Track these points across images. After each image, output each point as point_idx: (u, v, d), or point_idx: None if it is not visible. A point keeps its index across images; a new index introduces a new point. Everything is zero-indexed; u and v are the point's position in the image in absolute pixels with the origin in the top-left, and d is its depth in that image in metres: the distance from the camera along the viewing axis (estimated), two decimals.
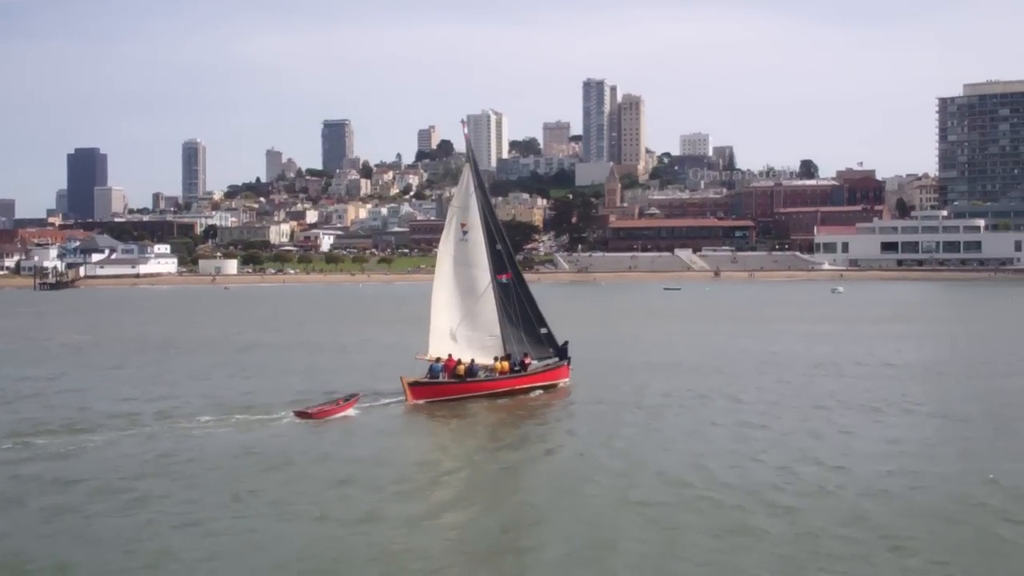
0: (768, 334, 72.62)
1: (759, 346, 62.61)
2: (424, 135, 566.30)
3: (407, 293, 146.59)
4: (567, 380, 42.37)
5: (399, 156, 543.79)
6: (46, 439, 31.77)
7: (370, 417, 35.50)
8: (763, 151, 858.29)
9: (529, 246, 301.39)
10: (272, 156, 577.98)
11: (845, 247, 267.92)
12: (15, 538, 21.55)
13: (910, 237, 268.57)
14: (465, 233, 40.75)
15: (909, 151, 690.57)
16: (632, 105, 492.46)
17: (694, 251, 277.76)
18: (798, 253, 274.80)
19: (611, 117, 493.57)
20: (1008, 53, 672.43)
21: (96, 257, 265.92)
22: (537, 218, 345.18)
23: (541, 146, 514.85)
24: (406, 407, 36.82)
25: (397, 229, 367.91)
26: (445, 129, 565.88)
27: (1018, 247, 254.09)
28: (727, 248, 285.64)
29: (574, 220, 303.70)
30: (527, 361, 41.02)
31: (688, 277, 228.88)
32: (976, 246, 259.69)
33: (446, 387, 38.44)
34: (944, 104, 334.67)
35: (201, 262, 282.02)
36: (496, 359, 40.38)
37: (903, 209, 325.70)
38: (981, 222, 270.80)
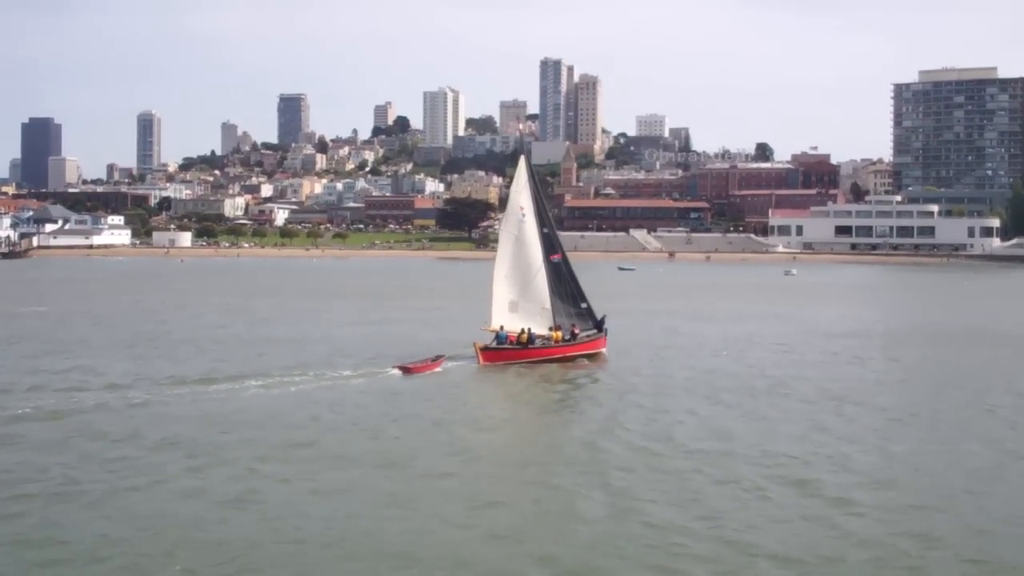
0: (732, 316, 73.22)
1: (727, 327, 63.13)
2: (381, 111, 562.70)
3: (374, 267, 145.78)
4: (605, 350, 47.58)
5: (355, 131, 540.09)
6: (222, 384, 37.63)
7: (454, 374, 41.24)
8: (719, 133, 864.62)
9: (485, 223, 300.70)
10: (227, 129, 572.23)
11: (799, 230, 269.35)
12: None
13: (864, 221, 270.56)
14: (524, 216, 45.79)
15: (864, 136, 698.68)
16: (589, 85, 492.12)
17: (649, 232, 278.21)
18: (752, 235, 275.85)
19: (568, 97, 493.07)
20: (963, 40, 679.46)
21: (49, 227, 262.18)
22: (493, 196, 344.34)
23: (498, 124, 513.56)
24: (479, 367, 42.48)
25: (352, 204, 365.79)
26: (402, 105, 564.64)
27: (971, 233, 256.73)
28: (682, 229, 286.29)
29: None
30: (576, 331, 46.47)
31: (643, 257, 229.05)
32: (930, 231, 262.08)
33: (511, 352, 44.11)
34: (899, 90, 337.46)
35: (155, 234, 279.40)
36: (550, 329, 45.57)
37: (857, 193, 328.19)
38: (935, 208, 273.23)
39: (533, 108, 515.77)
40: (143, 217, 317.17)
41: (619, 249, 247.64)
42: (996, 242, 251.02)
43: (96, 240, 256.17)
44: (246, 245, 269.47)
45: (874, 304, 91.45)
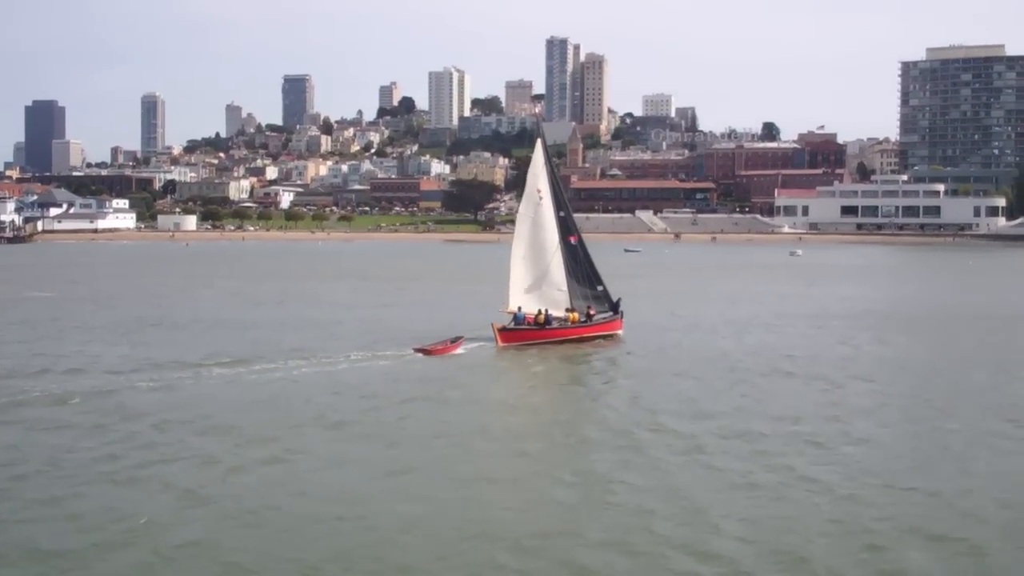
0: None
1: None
2: (386, 92, 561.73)
3: (380, 250, 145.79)
4: (621, 331, 48.03)
5: (360, 113, 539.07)
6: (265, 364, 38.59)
7: (474, 356, 41.79)
8: (725, 113, 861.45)
9: (491, 205, 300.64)
10: (232, 111, 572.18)
11: (805, 210, 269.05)
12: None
13: (870, 201, 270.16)
14: (541, 199, 46.55)
15: (870, 115, 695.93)
16: (595, 64, 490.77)
17: (655, 212, 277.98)
18: (758, 216, 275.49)
19: (574, 76, 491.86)
20: (970, 18, 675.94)
21: (54, 211, 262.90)
22: (499, 177, 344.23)
23: (503, 105, 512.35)
24: (497, 349, 42.86)
25: (358, 187, 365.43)
26: (407, 86, 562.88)
27: (977, 212, 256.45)
28: (688, 210, 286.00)
29: None
30: (592, 313, 47.07)
31: (649, 239, 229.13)
32: (935, 211, 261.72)
33: (528, 333, 44.70)
34: (906, 68, 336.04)
35: (160, 218, 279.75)
36: (567, 310, 46.13)
37: (863, 173, 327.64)
38: (941, 187, 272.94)
39: (539, 88, 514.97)
40: (148, 201, 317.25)
41: (625, 231, 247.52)
42: (1002, 221, 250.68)
43: (101, 224, 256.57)
44: (251, 228, 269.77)
45: (880, 285, 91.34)
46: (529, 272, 46.47)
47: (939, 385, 36.48)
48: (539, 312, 45.34)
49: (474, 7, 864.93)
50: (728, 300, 71.30)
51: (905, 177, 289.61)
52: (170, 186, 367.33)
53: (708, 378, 37.14)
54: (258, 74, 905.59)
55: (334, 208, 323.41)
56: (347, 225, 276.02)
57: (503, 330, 44.00)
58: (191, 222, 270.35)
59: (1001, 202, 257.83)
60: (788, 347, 45.84)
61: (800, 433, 27.72)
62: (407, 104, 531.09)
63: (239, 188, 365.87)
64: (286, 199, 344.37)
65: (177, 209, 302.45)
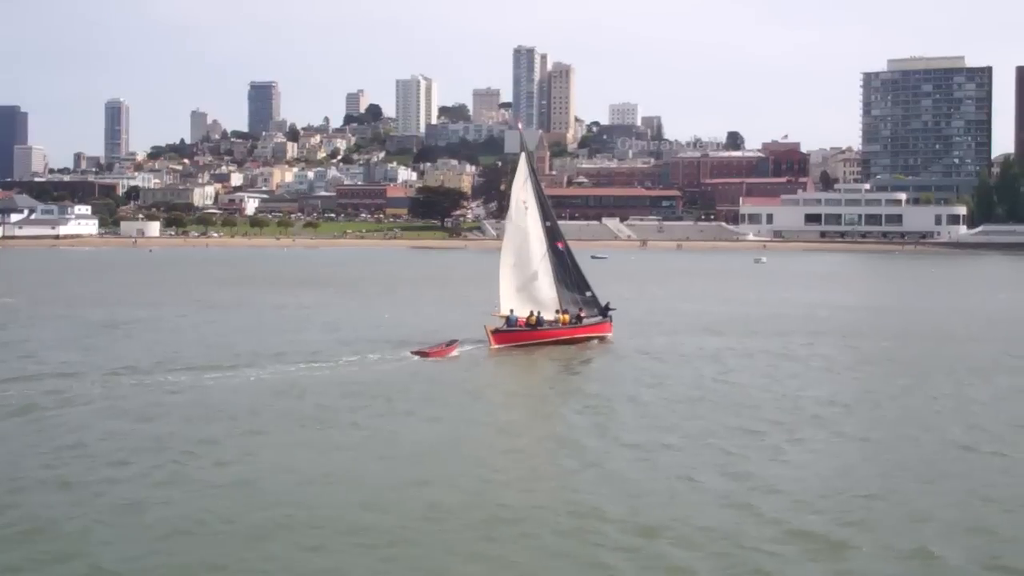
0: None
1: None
2: (352, 99, 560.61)
3: (347, 257, 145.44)
4: (611, 334, 49.11)
5: (327, 120, 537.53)
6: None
7: (470, 357, 42.81)
8: (691, 122, 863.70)
9: (457, 213, 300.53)
10: (197, 117, 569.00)
11: (770, 218, 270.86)
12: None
13: (833, 209, 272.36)
14: (527, 208, 48.05)
15: (833, 125, 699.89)
16: (562, 73, 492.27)
17: (621, 220, 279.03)
18: (724, 223, 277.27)
19: (541, 85, 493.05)
20: (932, 29, 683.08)
21: (15, 217, 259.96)
22: (466, 185, 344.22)
23: (471, 112, 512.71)
24: (491, 350, 43.91)
25: (324, 193, 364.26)
26: (374, 93, 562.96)
27: (938, 221, 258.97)
28: (654, 218, 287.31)
29: (503, 187, 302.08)
30: (582, 315, 48.25)
31: (615, 246, 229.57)
32: (898, 219, 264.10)
33: (520, 334, 45.75)
34: (868, 79, 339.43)
35: (123, 224, 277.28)
36: (557, 312, 47.43)
37: (827, 182, 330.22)
38: (903, 196, 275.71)
39: (506, 96, 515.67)
40: (111, 207, 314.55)
41: (592, 238, 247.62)
42: (963, 230, 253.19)
43: (63, 230, 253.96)
44: (215, 235, 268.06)
45: (845, 290, 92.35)
46: (519, 278, 47.85)
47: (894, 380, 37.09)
48: (531, 314, 46.56)
49: (442, 16, 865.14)
50: (700, 303, 71.90)
51: (868, 186, 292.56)
52: (134, 192, 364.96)
53: (687, 377, 38.87)
54: (224, 80, 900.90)
55: (300, 215, 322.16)
56: (313, 232, 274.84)
57: (496, 332, 45.15)
58: (154, 228, 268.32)
59: (962, 210, 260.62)
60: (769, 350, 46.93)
61: (781, 440, 28.05)
62: (374, 111, 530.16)
63: (203, 194, 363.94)
64: (251, 206, 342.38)
65: (140, 215, 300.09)
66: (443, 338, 45.75)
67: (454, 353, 43.04)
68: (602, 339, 48.67)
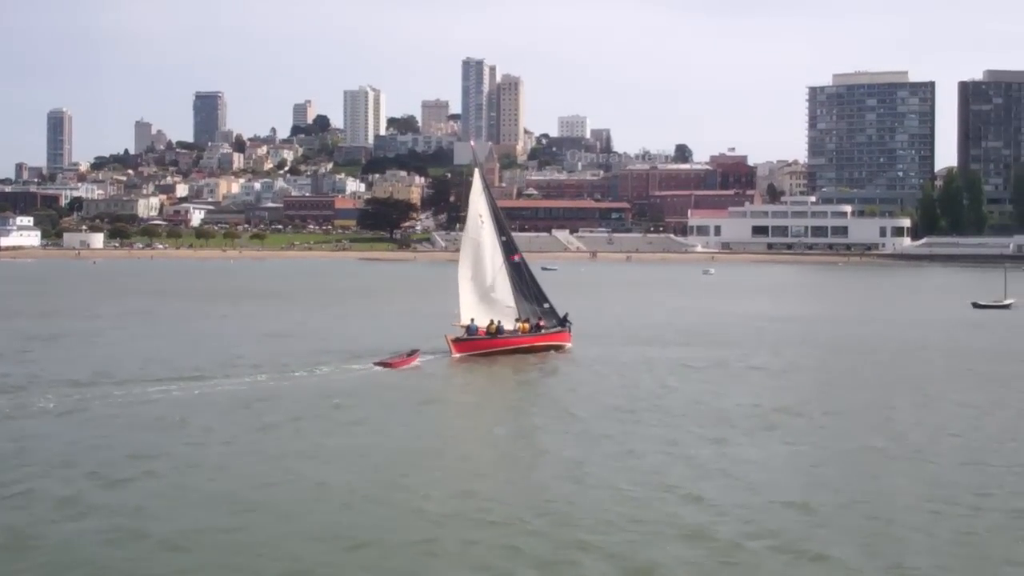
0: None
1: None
2: (300, 109, 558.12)
3: (297, 269, 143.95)
4: (570, 344, 49.65)
5: (274, 130, 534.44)
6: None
7: (432, 366, 43.15)
8: (639, 135, 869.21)
9: (406, 224, 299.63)
10: (141, 127, 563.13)
11: (717, 230, 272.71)
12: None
13: (780, 221, 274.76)
14: (482, 222, 49.00)
15: (780, 138, 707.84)
16: (511, 85, 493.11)
17: (571, 232, 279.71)
18: (672, 235, 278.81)
19: (490, 97, 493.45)
20: (876, 45, 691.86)
21: None
22: (415, 196, 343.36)
23: (419, 124, 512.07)
24: (452, 359, 44.29)
25: (271, 205, 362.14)
26: (322, 104, 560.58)
27: (883, 233, 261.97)
28: (603, 230, 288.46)
29: (452, 199, 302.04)
30: (541, 324, 48.80)
31: (565, 258, 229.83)
32: (843, 231, 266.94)
33: (481, 342, 46.19)
34: (814, 93, 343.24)
35: (66, 235, 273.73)
36: (517, 320, 48.06)
37: (773, 194, 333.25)
38: (848, 208, 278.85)
39: (455, 108, 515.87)
40: (53, 218, 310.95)
41: (542, 250, 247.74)
42: (907, 241, 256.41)
43: (4, 242, 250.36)
44: (160, 246, 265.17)
45: (790, 302, 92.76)
46: (478, 290, 48.49)
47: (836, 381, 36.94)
48: (491, 323, 47.02)
49: (390, 27, 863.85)
50: (650, 315, 71.80)
51: (813, 198, 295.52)
52: (77, 203, 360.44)
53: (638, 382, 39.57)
54: (169, 90, 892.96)
55: (246, 226, 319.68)
56: (260, 243, 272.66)
57: (456, 341, 45.48)
58: (98, 240, 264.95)
59: (906, 223, 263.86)
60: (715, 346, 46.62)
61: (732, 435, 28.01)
62: (322, 122, 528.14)
63: (148, 205, 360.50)
64: (197, 217, 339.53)
65: (84, 227, 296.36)
66: (403, 348, 45.63)
67: (416, 363, 43.17)
68: (561, 348, 49.05)
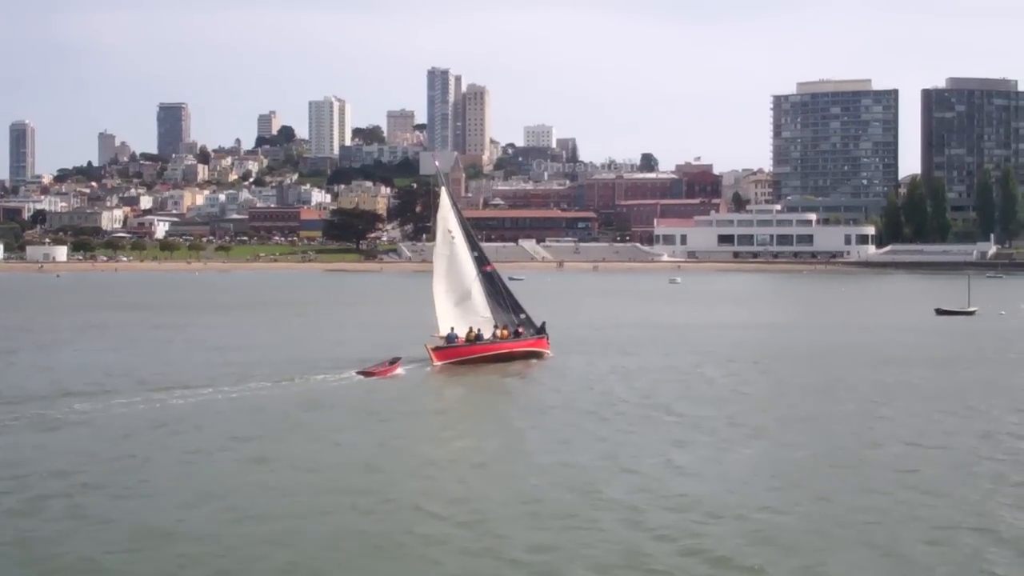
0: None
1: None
2: (265, 120, 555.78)
3: (263, 281, 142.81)
4: (549, 351, 50.29)
5: (238, 141, 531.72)
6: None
7: (415, 374, 43.65)
8: (605, 144, 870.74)
9: (372, 235, 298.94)
10: (105, 139, 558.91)
11: (684, 239, 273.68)
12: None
13: (746, 230, 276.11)
14: (453, 238, 49.58)
15: (745, 147, 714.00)
16: (477, 95, 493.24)
17: (538, 242, 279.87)
18: (639, 244, 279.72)
19: (455, 107, 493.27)
20: (839, 53, 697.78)
21: None
22: (381, 207, 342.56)
23: (385, 134, 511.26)
24: (433, 367, 44.71)
25: (236, 216, 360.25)
26: (286, 115, 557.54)
27: (848, 240, 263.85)
28: (570, 239, 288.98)
29: (418, 209, 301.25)
30: (520, 331, 49.43)
31: (532, 268, 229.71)
32: (808, 239, 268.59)
33: (461, 349, 46.62)
34: (778, 102, 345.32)
35: (29, 248, 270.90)
36: (495, 327, 48.64)
37: (739, 203, 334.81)
38: (813, 216, 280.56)
39: (421, 118, 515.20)
40: (16, 231, 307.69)
41: (508, 260, 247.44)
42: (871, 249, 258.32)
43: None
44: (124, 259, 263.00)
45: (754, 310, 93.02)
46: (454, 303, 49.11)
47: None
48: (469, 330, 47.67)
49: (354, 37, 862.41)
50: (618, 323, 71.79)
51: (779, 207, 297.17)
52: (40, 216, 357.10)
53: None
54: (132, 102, 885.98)
55: (211, 238, 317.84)
56: (225, 255, 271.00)
57: (436, 349, 45.88)
58: (62, 253, 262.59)
59: (871, 230, 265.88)
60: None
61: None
62: (286, 133, 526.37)
63: (112, 218, 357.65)
64: (161, 229, 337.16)
65: (47, 240, 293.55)
66: (383, 356, 46.22)
67: (398, 371, 43.70)
68: (540, 355, 49.76)
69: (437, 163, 67.33)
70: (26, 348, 56.56)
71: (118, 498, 23.13)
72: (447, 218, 50.27)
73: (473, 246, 50.56)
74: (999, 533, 20.37)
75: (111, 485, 24.20)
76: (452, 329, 47.38)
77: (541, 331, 50.76)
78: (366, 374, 42.62)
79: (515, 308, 50.72)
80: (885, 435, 30.41)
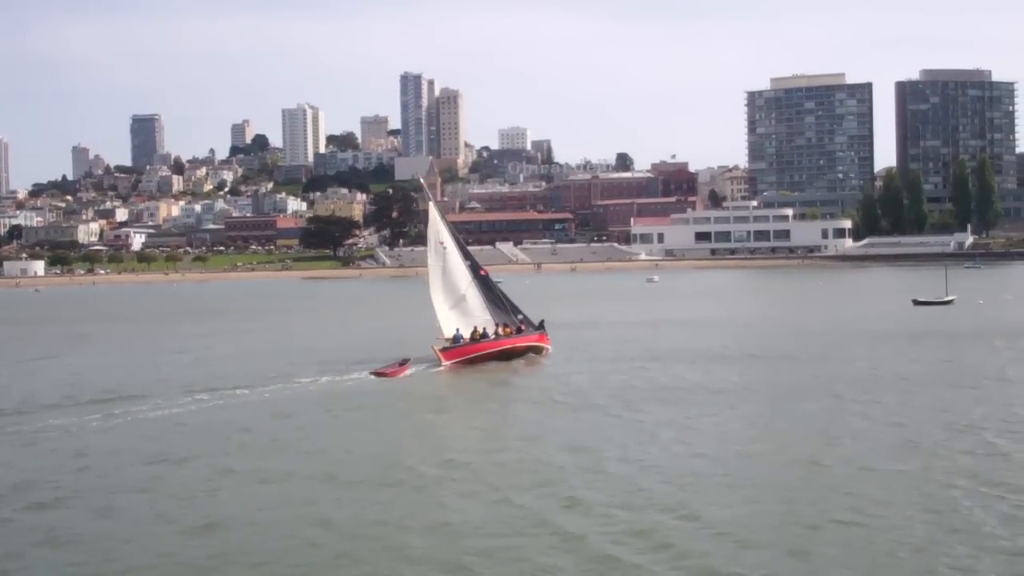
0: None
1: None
2: (238, 130, 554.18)
3: (242, 290, 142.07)
4: (550, 347, 52.45)
5: (212, 151, 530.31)
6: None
7: (424, 375, 45.10)
8: (580, 145, 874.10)
9: (349, 241, 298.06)
10: (79, 153, 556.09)
11: (661, 238, 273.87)
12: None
13: (722, 227, 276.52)
14: (445, 249, 51.30)
15: (720, 144, 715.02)
16: (450, 99, 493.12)
17: (515, 244, 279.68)
18: (616, 244, 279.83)
19: (429, 111, 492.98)
20: (812, 48, 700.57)
21: None
22: (357, 213, 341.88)
23: (359, 140, 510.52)
24: (442, 368, 45.90)
25: (212, 226, 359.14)
26: (260, 123, 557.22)
27: (825, 235, 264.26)
28: (547, 241, 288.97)
29: (395, 215, 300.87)
30: (522, 328, 51.63)
31: (510, 270, 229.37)
32: (785, 234, 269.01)
33: (468, 348, 48.02)
34: (752, 98, 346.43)
35: (6, 264, 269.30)
36: (497, 325, 50.43)
37: (715, 200, 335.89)
38: (789, 211, 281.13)
39: (395, 123, 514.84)
40: None
41: (486, 263, 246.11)
42: (849, 243, 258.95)
43: None
44: (102, 272, 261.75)
45: (731, 306, 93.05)
46: (454, 309, 50.69)
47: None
48: (474, 329, 49.33)
49: (326, 44, 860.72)
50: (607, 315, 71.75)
51: (755, 203, 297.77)
52: (16, 231, 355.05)
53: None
54: (105, 114, 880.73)
55: (188, 249, 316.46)
56: (202, 265, 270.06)
57: (444, 350, 47.16)
58: (39, 267, 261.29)
59: (847, 224, 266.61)
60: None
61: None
62: (260, 142, 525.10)
63: (88, 231, 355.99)
64: (138, 241, 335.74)
65: (24, 255, 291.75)
66: (390, 358, 47.68)
67: (408, 372, 45.23)
68: (541, 351, 51.76)
69: (422, 179, 70.64)
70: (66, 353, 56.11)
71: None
72: (438, 231, 51.99)
73: (466, 256, 52.40)
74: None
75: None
76: (457, 330, 48.93)
77: (540, 328, 52.64)
78: (379, 374, 44.12)
79: (513, 308, 52.42)
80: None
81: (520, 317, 52.52)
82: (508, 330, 50.49)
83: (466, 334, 49.01)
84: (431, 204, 55.11)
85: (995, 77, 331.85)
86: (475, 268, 52.37)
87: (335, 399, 38.18)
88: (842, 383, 39.12)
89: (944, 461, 25.34)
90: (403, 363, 46.09)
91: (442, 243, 51.71)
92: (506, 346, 49.60)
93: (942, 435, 28.58)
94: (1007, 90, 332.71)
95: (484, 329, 49.68)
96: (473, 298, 51.17)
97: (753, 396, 36.63)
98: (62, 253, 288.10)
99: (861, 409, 33.33)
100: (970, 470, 24.39)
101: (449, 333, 49.08)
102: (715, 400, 35.90)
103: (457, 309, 50.70)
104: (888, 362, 45.51)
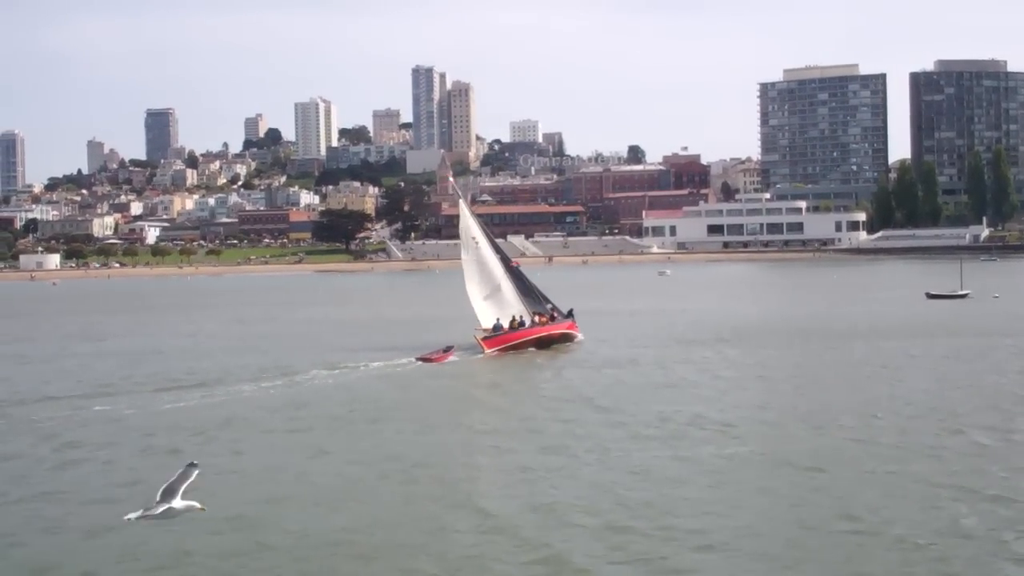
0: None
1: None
2: (251, 123, 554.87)
3: (257, 284, 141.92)
4: (580, 335, 54.83)
5: (226, 145, 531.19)
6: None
7: (470, 360, 47.30)
8: (592, 137, 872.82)
9: (362, 235, 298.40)
10: (94, 147, 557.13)
11: (673, 230, 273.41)
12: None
13: (735, 220, 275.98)
14: (477, 244, 53.89)
15: (732, 135, 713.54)
16: (462, 92, 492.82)
17: (527, 237, 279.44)
18: (628, 237, 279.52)
19: (441, 104, 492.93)
20: (825, 38, 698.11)
21: None
22: (369, 206, 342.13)
23: (371, 134, 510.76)
24: (485, 355, 48.20)
25: (226, 220, 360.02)
26: (273, 117, 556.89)
27: (838, 227, 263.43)
28: (559, 234, 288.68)
29: (406, 208, 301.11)
30: (555, 316, 54.04)
31: (522, 263, 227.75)
32: (798, 227, 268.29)
33: (508, 336, 50.36)
34: (765, 89, 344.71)
35: (22, 257, 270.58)
36: (532, 314, 52.67)
37: (728, 192, 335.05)
38: (803, 204, 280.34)
39: (406, 117, 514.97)
40: (8, 240, 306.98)
41: None
42: (863, 235, 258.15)
43: None
44: (116, 265, 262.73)
45: (745, 300, 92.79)
46: (490, 301, 53.10)
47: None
48: (512, 318, 51.65)
49: (339, 38, 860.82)
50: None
51: (768, 195, 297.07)
52: (32, 225, 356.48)
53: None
54: (120, 108, 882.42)
55: (202, 242, 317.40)
56: (215, 259, 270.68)
57: (486, 338, 49.55)
58: (54, 261, 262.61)
59: (861, 216, 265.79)
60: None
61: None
62: (273, 135, 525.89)
63: (103, 225, 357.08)
64: (152, 234, 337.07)
65: (40, 248, 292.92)
66: (437, 345, 49.57)
67: (452, 358, 47.11)
68: (572, 338, 54.01)
69: (451, 179, 74.64)
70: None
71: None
72: (470, 226, 54.53)
73: (496, 250, 55.02)
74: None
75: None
76: (497, 319, 51.31)
77: (570, 316, 54.97)
78: (424, 360, 46.07)
79: (543, 298, 54.80)
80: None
81: (550, 306, 54.59)
82: (543, 318, 52.71)
83: (504, 323, 51.14)
84: (461, 202, 58.43)
85: (1011, 68, 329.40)
86: (506, 260, 55.05)
87: (399, 380, 40.90)
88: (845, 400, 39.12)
89: (942, 462, 25.22)
90: (447, 350, 47.95)
91: (474, 238, 54.08)
92: (542, 334, 51.80)
93: (935, 437, 28.09)
94: (1023, 81, 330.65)
95: (521, 318, 51.83)
96: (507, 289, 53.30)
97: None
98: (77, 247, 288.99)
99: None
100: (970, 470, 24.33)
101: (487, 323, 51.55)
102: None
103: (492, 300, 53.03)
104: (889, 359, 45.02)
